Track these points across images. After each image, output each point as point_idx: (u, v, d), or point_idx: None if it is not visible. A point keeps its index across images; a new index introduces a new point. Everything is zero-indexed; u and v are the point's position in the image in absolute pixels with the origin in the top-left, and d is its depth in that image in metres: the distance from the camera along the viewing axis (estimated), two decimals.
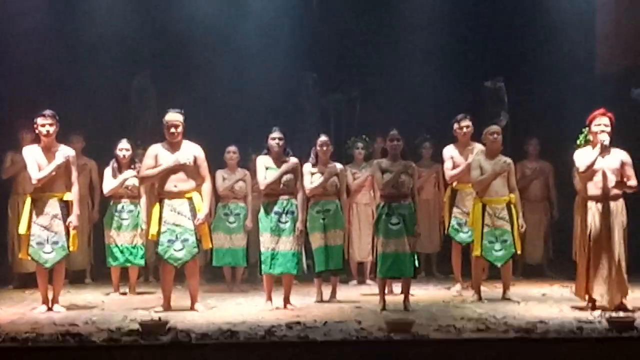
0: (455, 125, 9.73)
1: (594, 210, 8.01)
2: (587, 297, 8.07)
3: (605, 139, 7.93)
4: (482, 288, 9.06)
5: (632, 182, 8.00)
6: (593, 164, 7.96)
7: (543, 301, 8.78)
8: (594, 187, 8.02)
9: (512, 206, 8.92)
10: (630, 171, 8.02)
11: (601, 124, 8.01)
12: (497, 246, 8.85)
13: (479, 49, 12.12)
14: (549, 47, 11.94)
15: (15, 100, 10.65)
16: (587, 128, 8.80)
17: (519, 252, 9.07)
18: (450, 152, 9.72)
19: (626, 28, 11.63)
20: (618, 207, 8.00)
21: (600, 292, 7.94)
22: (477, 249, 8.90)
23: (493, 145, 9.03)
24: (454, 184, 9.72)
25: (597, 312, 7.70)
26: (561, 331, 6.73)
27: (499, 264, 8.95)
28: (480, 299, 8.80)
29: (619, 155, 8.04)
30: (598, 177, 7.99)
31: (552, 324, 7.02)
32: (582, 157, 8.06)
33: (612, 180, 7.98)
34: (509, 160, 9.05)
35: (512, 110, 11.40)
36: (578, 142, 8.95)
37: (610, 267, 7.94)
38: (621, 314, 7.59)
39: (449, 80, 11.80)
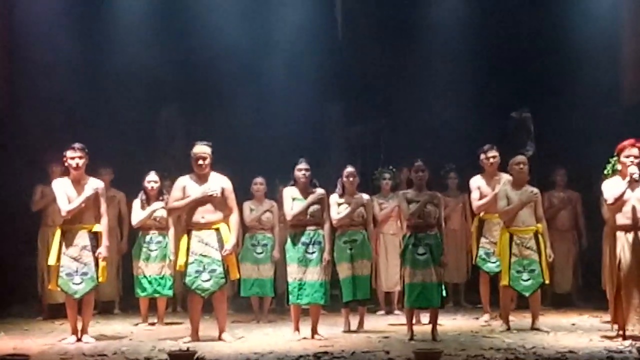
0: (482, 156, 9.73)
1: (623, 240, 7.95)
2: (616, 326, 8.00)
3: (635, 171, 7.86)
4: (511, 318, 8.99)
5: None
6: (622, 196, 7.91)
7: (572, 331, 8.72)
8: (623, 218, 7.96)
9: (539, 236, 8.88)
10: None
11: (631, 155, 7.95)
12: (525, 276, 8.80)
13: (505, 80, 12.10)
14: (575, 78, 11.90)
15: (45, 134, 10.77)
16: (614, 158, 8.77)
17: (547, 281, 9.02)
18: (477, 182, 9.71)
19: None
20: None
21: (633, 322, 7.85)
22: (504, 279, 8.86)
23: (519, 175, 9.01)
24: (482, 214, 9.70)
25: (628, 342, 7.62)
26: None
27: (527, 294, 8.90)
28: (509, 328, 8.74)
29: None
30: (627, 208, 7.92)
31: (582, 354, 6.99)
32: (611, 188, 8.00)
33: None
34: (535, 190, 9.02)
35: (539, 140, 11.40)
36: (605, 172, 8.91)
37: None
38: None
39: (475, 110, 11.81)
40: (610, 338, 7.94)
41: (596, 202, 9.75)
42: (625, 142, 8.05)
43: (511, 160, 9.17)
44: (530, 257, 8.80)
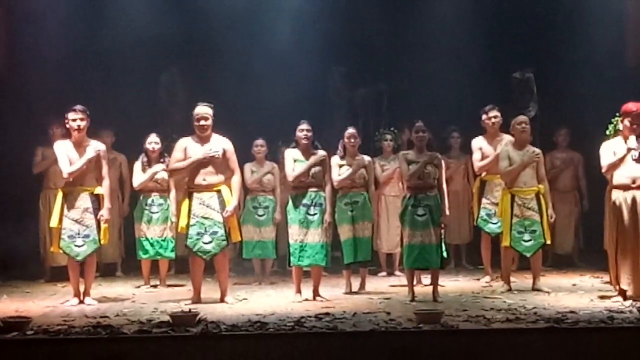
0: (484, 116, 9.72)
1: (621, 199, 7.94)
2: (617, 287, 8.02)
3: (634, 146, 7.82)
4: (512, 279, 9.04)
5: None
6: (616, 166, 7.89)
7: (573, 291, 8.75)
8: (621, 177, 7.95)
9: (541, 197, 8.89)
10: None
11: (635, 123, 7.91)
12: (526, 237, 8.82)
13: (507, 41, 12.04)
14: (579, 39, 11.83)
15: (45, 96, 10.73)
16: (616, 118, 8.74)
17: (548, 242, 9.04)
18: (479, 143, 9.71)
19: None
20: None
21: (627, 282, 7.88)
22: (506, 240, 8.88)
23: (521, 135, 8.99)
24: (483, 174, 9.70)
25: (628, 302, 7.64)
26: (592, 321, 6.71)
27: (528, 255, 8.93)
28: (510, 289, 8.78)
29: None
30: (626, 166, 7.91)
31: (582, 314, 7.00)
32: (608, 153, 7.98)
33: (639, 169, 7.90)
34: (537, 150, 9.01)
35: (542, 101, 11.36)
36: (608, 132, 8.90)
37: (637, 257, 7.86)
38: None
39: (477, 71, 11.75)
40: (610, 298, 7.97)
41: (599, 163, 9.74)
42: (632, 106, 7.98)
43: (513, 120, 9.16)
44: (531, 218, 8.81)
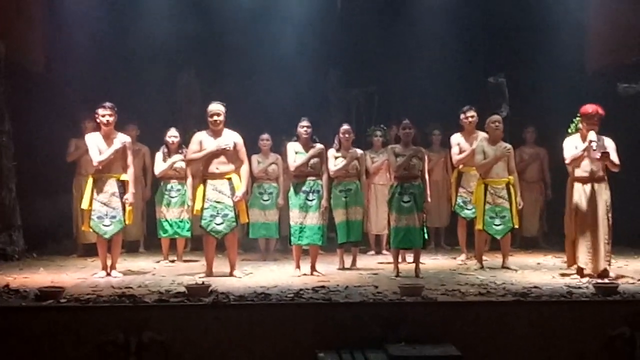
0: (462, 116, 9.72)
1: (580, 190, 7.95)
2: (575, 266, 8.04)
3: (594, 139, 7.83)
4: (484, 258, 9.05)
5: (616, 161, 7.89)
6: (578, 158, 7.90)
7: (538, 269, 8.75)
8: (581, 171, 7.96)
9: (510, 186, 8.89)
10: (613, 155, 7.93)
11: (593, 123, 7.91)
12: (497, 221, 8.83)
13: (483, 49, 12.04)
14: (545, 47, 11.81)
15: (78, 93, 10.72)
16: (577, 118, 8.74)
17: (516, 226, 9.05)
18: (457, 139, 9.71)
19: (614, 28, 11.49)
20: (602, 187, 7.93)
21: (585, 261, 7.90)
22: (479, 224, 8.89)
23: (495, 132, 8.99)
24: (460, 167, 9.70)
25: (585, 279, 7.66)
26: (553, 295, 6.71)
27: (498, 237, 8.94)
28: (482, 267, 8.78)
29: (605, 143, 7.94)
30: (585, 162, 7.92)
31: (545, 289, 7.00)
32: (570, 148, 7.99)
33: (597, 164, 7.91)
34: (508, 146, 9.01)
35: (512, 102, 11.34)
36: (569, 130, 8.87)
37: (595, 240, 7.88)
38: (606, 280, 7.55)
39: (457, 75, 11.72)
40: (569, 275, 7.98)
41: (561, 157, 9.74)
42: (589, 108, 7.97)
43: (488, 119, 9.15)
44: (502, 205, 8.82)
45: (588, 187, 7.91)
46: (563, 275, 8.08)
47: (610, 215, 7.93)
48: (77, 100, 10.54)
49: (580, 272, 7.94)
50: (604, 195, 7.92)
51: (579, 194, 7.93)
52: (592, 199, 7.91)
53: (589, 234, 7.89)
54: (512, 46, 12.00)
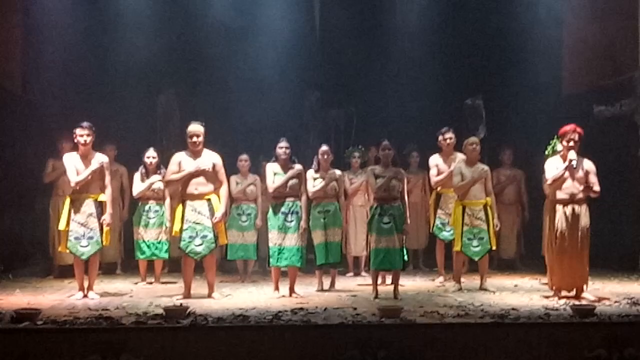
0: (440, 137, 9.77)
1: (561, 212, 8.01)
2: (553, 287, 8.09)
3: (574, 157, 7.91)
4: (462, 279, 9.06)
5: (596, 188, 7.99)
6: (560, 178, 7.98)
7: (515, 291, 8.77)
8: (562, 193, 8.03)
9: (488, 208, 8.94)
10: (593, 179, 8.00)
11: (572, 139, 8.00)
12: (475, 243, 8.87)
13: (461, 73, 12.16)
14: (522, 71, 11.94)
15: (55, 114, 10.67)
16: (554, 140, 8.83)
17: (494, 248, 9.09)
18: (435, 160, 9.75)
19: (589, 51, 11.66)
20: (582, 210, 7.99)
21: (565, 284, 7.95)
22: (457, 245, 8.92)
23: (472, 154, 9.05)
24: (439, 188, 9.74)
25: (563, 301, 7.70)
26: (531, 317, 6.73)
27: (476, 258, 8.97)
28: (460, 289, 8.80)
29: (584, 165, 8.03)
30: (566, 184, 7.99)
31: (523, 311, 7.02)
32: (552, 169, 8.06)
33: (577, 187, 7.98)
34: (486, 167, 9.07)
35: (490, 124, 11.43)
36: (546, 152, 8.98)
37: (574, 262, 7.94)
38: (584, 302, 7.60)
39: (435, 98, 11.85)
40: (547, 297, 8.02)
41: (538, 179, 9.83)
42: (567, 127, 8.06)
43: (465, 141, 9.21)
44: (479, 227, 8.86)
45: (569, 209, 7.96)
46: (541, 297, 8.09)
47: (588, 237, 7.99)
48: (55, 120, 10.50)
49: (558, 294, 7.98)
50: (584, 218, 7.98)
51: (560, 216, 7.98)
52: (573, 221, 7.95)
53: (568, 256, 7.93)
54: (490, 68, 12.15)
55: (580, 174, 7.95)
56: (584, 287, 8.01)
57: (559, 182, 7.97)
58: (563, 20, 12.06)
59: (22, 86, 11.17)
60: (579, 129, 8.00)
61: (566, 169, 7.92)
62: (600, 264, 9.86)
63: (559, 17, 11.95)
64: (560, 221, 7.98)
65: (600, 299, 7.84)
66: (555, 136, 8.78)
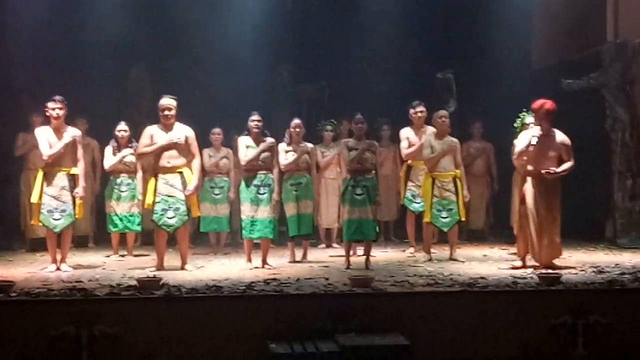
0: (411, 110, 9.84)
1: (530, 184, 8.12)
2: (521, 257, 8.23)
3: (536, 134, 7.99)
4: (432, 250, 9.18)
5: (565, 165, 8.06)
6: (523, 152, 8.07)
7: (484, 261, 8.88)
8: (531, 166, 8.13)
9: (457, 180, 9.05)
10: (566, 154, 8.09)
11: (538, 115, 8.07)
12: (444, 214, 8.98)
13: (432, 46, 12.21)
14: (492, 45, 12.01)
15: (25, 88, 10.59)
16: (523, 113, 8.95)
17: (463, 219, 9.21)
18: (406, 133, 9.83)
19: (558, 25, 11.77)
20: (552, 182, 8.08)
21: (534, 253, 8.09)
22: (427, 217, 9.03)
23: (441, 127, 9.15)
24: (409, 161, 9.82)
25: (529, 270, 7.83)
26: (498, 285, 6.86)
27: (445, 229, 9.09)
28: (430, 259, 8.91)
29: (557, 138, 8.12)
30: (536, 158, 8.06)
31: (491, 280, 7.14)
32: (522, 142, 8.15)
33: (546, 161, 8.03)
34: (455, 140, 9.18)
35: (460, 97, 11.52)
36: (515, 125, 9.12)
37: (543, 232, 8.07)
38: (550, 271, 7.75)
39: (406, 71, 11.90)
40: (516, 268, 8.11)
41: (507, 152, 9.95)
42: (536, 103, 8.13)
43: (435, 114, 9.30)
44: (449, 198, 8.97)
45: (537, 182, 8.05)
46: (515, 267, 8.12)
47: (558, 209, 8.11)
48: (25, 94, 10.41)
49: (523, 263, 8.12)
50: (552, 188, 8.08)
51: (529, 188, 8.09)
52: (542, 193, 8.05)
53: (538, 227, 8.04)
54: (460, 43, 12.20)
55: (551, 148, 8.02)
56: (555, 257, 8.11)
57: (524, 155, 8.08)
58: None
59: None
60: (547, 106, 8.07)
61: (528, 146, 8.02)
62: (568, 234, 10.03)
63: None
64: (530, 193, 8.08)
65: (567, 268, 7.97)
66: (524, 109, 8.91)
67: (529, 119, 8.99)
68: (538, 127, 8.08)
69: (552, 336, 6.37)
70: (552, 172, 8.00)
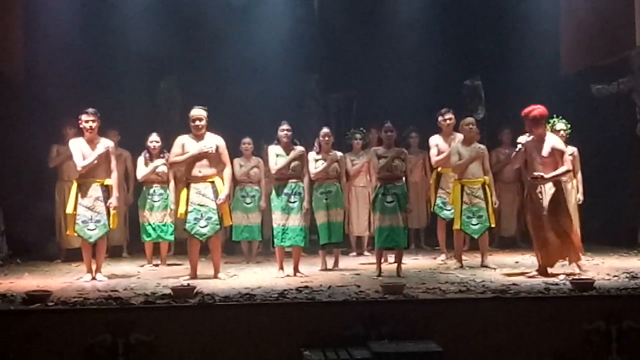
0: (440, 118, 9.86)
1: (533, 192, 8.02)
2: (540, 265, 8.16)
3: (521, 141, 7.99)
4: (464, 257, 9.16)
5: (560, 169, 7.95)
6: (513, 162, 8.29)
7: (516, 268, 8.85)
8: (529, 174, 8.06)
9: (486, 186, 9.05)
10: (560, 157, 7.97)
11: (526, 123, 8.06)
12: (474, 221, 8.98)
13: (460, 53, 12.21)
14: (520, 48, 12.00)
15: (59, 101, 10.75)
16: (553, 119, 8.93)
17: (492, 225, 9.20)
18: (435, 140, 9.84)
19: (587, 30, 11.72)
20: (551, 187, 7.97)
21: (550, 260, 8.04)
22: (457, 224, 9.03)
23: (469, 134, 9.16)
24: (439, 168, 9.83)
25: (562, 276, 7.79)
26: (531, 291, 6.84)
27: (475, 236, 9.09)
28: (462, 266, 8.90)
29: (550, 143, 8.00)
30: (532, 165, 8.01)
31: (523, 286, 7.13)
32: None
33: (541, 167, 7.94)
34: (483, 147, 9.19)
35: (488, 104, 11.51)
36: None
37: (555, 239, 7.96)
38: (583, 276, 7.71)
39: (434, 78, 11.89)
40: (531, 277, 7.97)
41: None
42: (532, 110, 8.03)
43: (462, 121, 9.32)
44: (478, 205, 8.97)
45: (539, 188, 7.97)
46: (530, 276, 7.99)
47: (566, 211, 8.05)
48: (58, 106, 10.57)
49: (544, 271, 8.03)
50: (556, 194, 7.95)
51: (533, 195, 8.01)
52: (550, 199, 7.94)
53: (548, 234, 7.94)
54: (488, 49, 12.19)
55: (543, 154, 7.93)
56: (575, 258, 8.05)
57: (516, 164, 8.12)
58: (560, 0, 12.12)
59: (26, 74, 11.25)
60: (535, 112, 7.94)
61: (516, 154, 8.03)
62: (600, 239, 9.98)
63: None
64: (532, 201, 8.00)
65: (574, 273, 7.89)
66: (554, 115, 8.88)
67: (560, 124, 8.99)
68: (522, 136, 8.04)
69: (585, 342, 6.35)
70: (538, 177, 7.91)
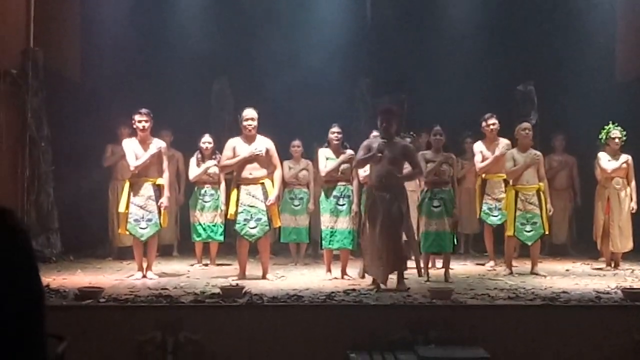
0: (483, 124, 9.77)
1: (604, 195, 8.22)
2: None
3: None
4: (513, 264, 9.09)
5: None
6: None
7: (566, 276, 8.77)
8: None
9: (541, 193, 8.96)
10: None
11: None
12: (528, 227, 8.89)
13: (512, 58, 12.11)
14: (575, 54, 11.88)
15: (113, 101, 10.95)
16: (608, 126, 8.82)
17: (547, 233, 9.11)
18: (479, 147, 9.76)
19: None
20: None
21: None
22: (510, 230, 8.94)
23: (525, 140, 9.07)
24: (484, 175, 9.75)
25: (614, 284, 7.70)
26: (581, 300, 6.77)
27: (529, 243, 8.97)
28: (511, 273, 8.81)
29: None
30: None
31: (573, 294, 7.05)
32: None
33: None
34: (538, 153, 9.09)
35: (541, 109, 11.39)
36: (600, 137, 8.98)
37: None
38: (634, 286, 7.60)
39: (486, 83, 11.81)
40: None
41: (591, 165, 9.81)
42: None
43: (518, 126, 9.24)
44: (532, 212, 8.88)
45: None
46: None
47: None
48: (113, 106, 10.76)
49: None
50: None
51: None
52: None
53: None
54: (542, 54, 12.07)
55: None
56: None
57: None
58: (617, 6, 11.95)
59: (81, 74, 11.49)
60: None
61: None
62: None
63: (613, 2, 11.84)
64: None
65: None
66: (610, 122, 8.78)
67: (615, 131, 8.87)
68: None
69: (636, 353, 6.25)
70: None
